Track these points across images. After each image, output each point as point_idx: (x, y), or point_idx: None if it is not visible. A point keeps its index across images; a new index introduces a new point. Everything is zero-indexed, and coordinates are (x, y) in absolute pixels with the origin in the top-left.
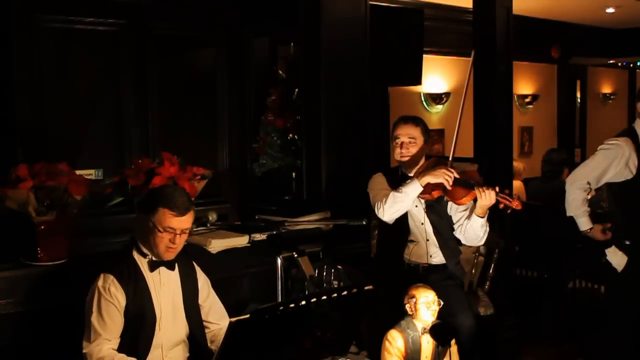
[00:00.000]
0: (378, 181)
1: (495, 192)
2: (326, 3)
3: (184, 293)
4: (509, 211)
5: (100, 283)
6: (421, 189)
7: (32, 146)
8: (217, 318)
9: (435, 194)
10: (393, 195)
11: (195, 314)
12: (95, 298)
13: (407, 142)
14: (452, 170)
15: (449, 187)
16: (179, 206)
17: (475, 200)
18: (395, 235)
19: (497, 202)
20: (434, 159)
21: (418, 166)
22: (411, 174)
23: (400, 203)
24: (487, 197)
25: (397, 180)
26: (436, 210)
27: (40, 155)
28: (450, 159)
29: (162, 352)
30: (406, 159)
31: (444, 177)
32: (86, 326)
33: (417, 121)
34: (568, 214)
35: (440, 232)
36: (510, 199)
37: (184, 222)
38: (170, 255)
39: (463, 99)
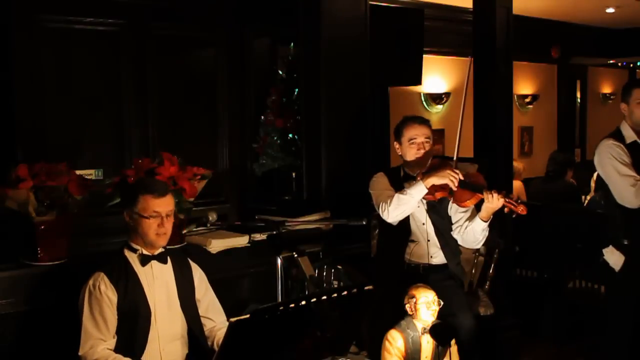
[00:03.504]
0: (380, 181)
1: (503, 196)
2: (326, 3)
3: (178, 286)
4: (514, 215)
5: (90, 282)
6: (426, 190)
7: (32, 146)
8: (214, 314)
9: (439, 195)
10: (398, 197)
11: (191, 308)
12: (86, 298)
13: (424, 142)
14: (458, 171)
15: (454, 188)
16: (157, 189)
17: (478, 203)
18: (396, 236)
19: (503, 207)
20: (437, 159)
21: (426, 166)
22: (414, 174)
23: (405, 205)
24: (494, 201)
25: (399, 180)
26: (438, 210)
27: (40, 155)
28: (454, 159)
29: (159, 346)
30: (422, 159)
31: (449, 177)
32: (80, 328)
33: (428, 122)
34: None
35: (441, 233)
36: (515, 204)
37: (166, 203)
38: (162, 241)
39: (463, 103)
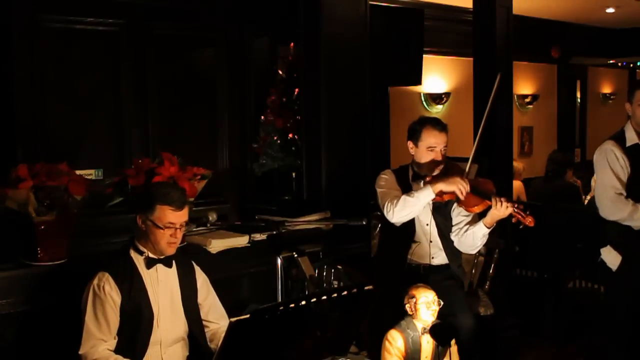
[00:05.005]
0: (387, 179)
1: (512, 205)
2: (326, 3)
3: (182, 290)
4: (521, 227)
5: (95, 282)
6: (433, 196)
7: (32, 146)
8: (216, 318)
9: (447, 197)
10: (404, 199)
11: (194, 312)
12: (90, 297)
13: (442, 149)
14: (467, 181)
15: (462, 198)
16: (176, 201)
17: (485, 210)
18: (399, 236)
19: (510, 216)
20: (450, 162)
21: (437, 169)
22: (423, 174)
23: (411, 207)
24: (502, 209)
25: (407, 179)
26: (443, 212)
27: (40, 155)
28: (469, 162)
29: (160, 349)
30: (436, 163)
31: (458, 187)
32: (82, 327)
33: (447, 127)
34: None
35: (444, 234)
36: (524, 215)
37: (183, 215)
38: (172, 250)
39: (488, 109)
